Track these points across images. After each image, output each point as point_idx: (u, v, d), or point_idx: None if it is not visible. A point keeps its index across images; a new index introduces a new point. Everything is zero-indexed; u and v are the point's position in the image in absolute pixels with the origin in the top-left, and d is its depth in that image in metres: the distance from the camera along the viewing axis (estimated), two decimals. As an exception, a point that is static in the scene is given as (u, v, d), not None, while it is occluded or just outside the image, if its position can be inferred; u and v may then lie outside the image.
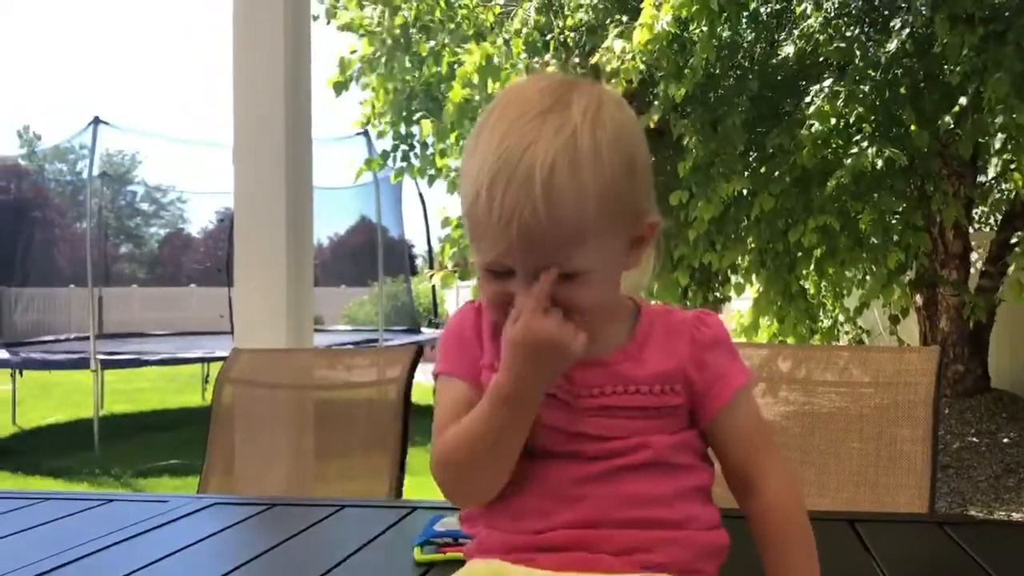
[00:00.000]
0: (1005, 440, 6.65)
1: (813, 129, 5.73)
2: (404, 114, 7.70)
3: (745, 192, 6.10)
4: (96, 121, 9.52)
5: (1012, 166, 6.36)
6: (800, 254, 6.71)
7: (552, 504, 0.92)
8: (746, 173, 6.17)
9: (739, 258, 6.98)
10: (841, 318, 8.08)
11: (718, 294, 7.66)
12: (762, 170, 6.22)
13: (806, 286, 7.31)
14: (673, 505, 0.95)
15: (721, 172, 5.94)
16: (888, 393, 2.56)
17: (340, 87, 7.59)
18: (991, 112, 5.27)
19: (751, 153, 6.47)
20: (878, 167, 5.53)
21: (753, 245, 6.73)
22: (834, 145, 5.99)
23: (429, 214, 13.57)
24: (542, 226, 0.87)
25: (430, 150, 7.56)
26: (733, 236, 6.63)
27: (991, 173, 7.01)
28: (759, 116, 6.36)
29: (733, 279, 7.46)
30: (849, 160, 5.63)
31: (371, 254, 12.18)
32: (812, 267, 6.95)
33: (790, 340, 6.98)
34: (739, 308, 8.45)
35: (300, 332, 3.56)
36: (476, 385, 0.97)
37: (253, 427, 2.64)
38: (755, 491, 1.00)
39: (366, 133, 10.21)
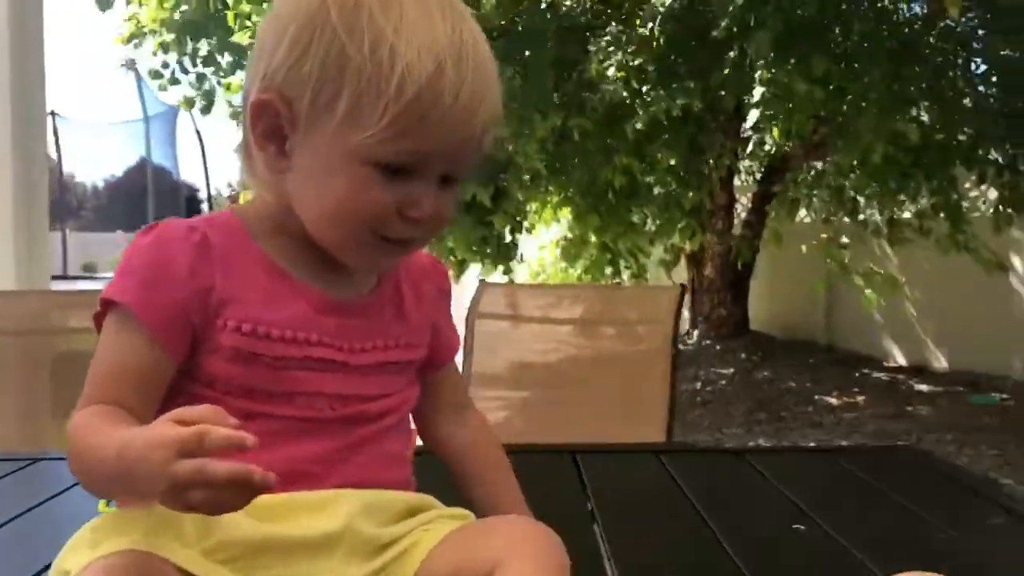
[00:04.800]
0: (759, 378, 7.22)
1: (609, 72, 5.91)
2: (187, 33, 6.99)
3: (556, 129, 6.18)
4: None
5: (773, 122, 6.81)
6: (614, 195, 7.06)
7: (323, 469, 0.81)
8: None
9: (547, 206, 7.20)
10: (622, 264, 8.45)
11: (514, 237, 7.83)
12: (559, 122, 6.29)
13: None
14: (408, 461, 0.91)
15: (536, 107, 5.96)
16: (633, 330, 2.66)
17: (105, 2, 6.86)
18: (752, 68, 5.58)
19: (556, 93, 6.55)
20: (674, 114, 5.79)
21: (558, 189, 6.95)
22: (634, 86, 6.21)
23: (207, 152, 12.88)
24: (494, 118, 0.78)
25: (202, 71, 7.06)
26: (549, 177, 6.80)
27: (752, 126, 7.51)
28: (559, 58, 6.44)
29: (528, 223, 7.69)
30: (647, 108, 5.85)
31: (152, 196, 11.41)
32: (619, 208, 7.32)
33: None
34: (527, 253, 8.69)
35: (33, 280, 3.23)
36: (163, 344, 0.78)
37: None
38: (463, 420, 1.00)
39: (132, 64, 9.48)
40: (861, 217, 7.11)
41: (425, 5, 0.76)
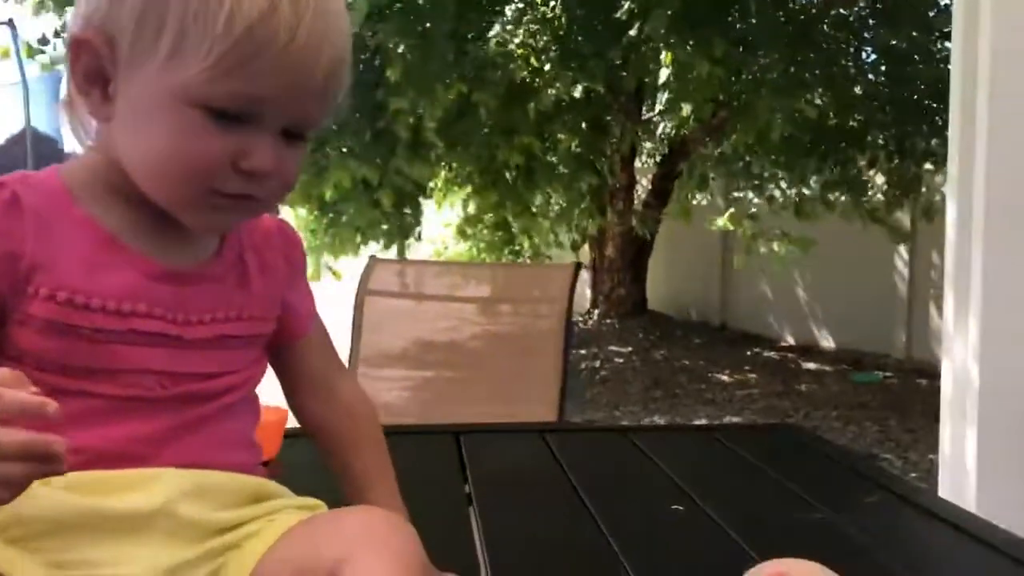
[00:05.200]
0: (656, 356, 7.33)
1: (509, 48, 5.86)
2: None
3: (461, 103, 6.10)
4: None
5: (679, 104, 6.89)
6: (515, 174, 7.02)
7: (151, 450, 0.73)
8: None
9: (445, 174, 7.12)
10: (526, 244, 8.46)
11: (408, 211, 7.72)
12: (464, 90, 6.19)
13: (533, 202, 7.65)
14: (255, 444, 0.84)
15: (435, 78, 5.85)
16: (527, 308, 2.62)
17: None
18: (653, 48, 5.62)
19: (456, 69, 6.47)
20: (576, 95, 5.78)
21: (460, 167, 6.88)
22: (533, 65, 6.16)
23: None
24: (342, 63, 0.72)
25: None
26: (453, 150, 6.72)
27: (657, 108, 7.58)
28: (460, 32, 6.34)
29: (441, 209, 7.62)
30: (547, 88, 5.83)
31: (36, 166, 10.78)
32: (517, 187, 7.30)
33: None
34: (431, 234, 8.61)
35: None
36: None
37: None
38: (332, 396, 0.93)
39: (11, 23, 8.90)
40: (767, 194, 7.29)
41: None
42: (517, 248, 8.14)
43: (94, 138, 0.76)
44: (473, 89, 6.07)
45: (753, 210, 7.05)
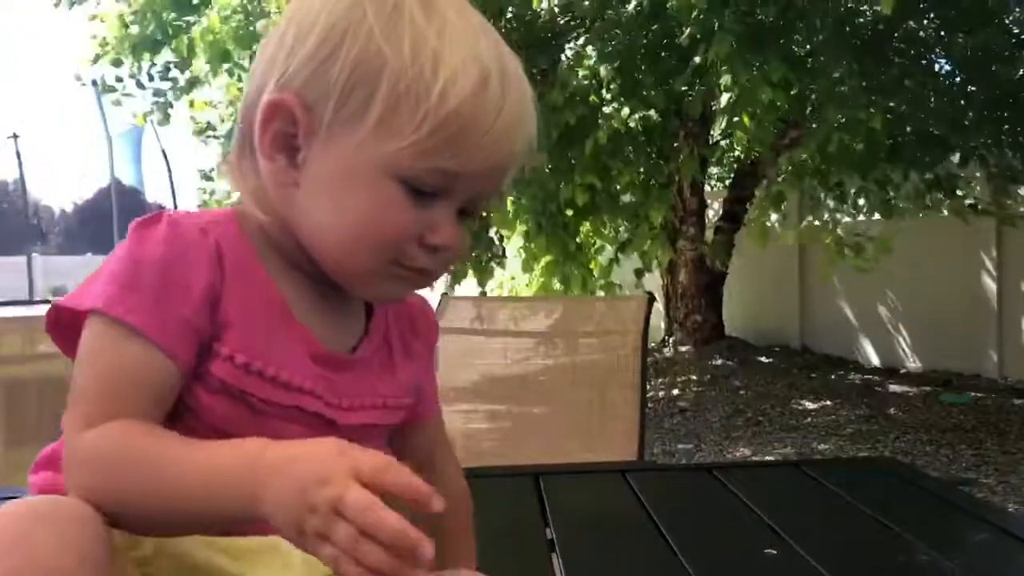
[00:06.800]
0: (736, 383, 7.17)
1: (572, 84, 5.86)
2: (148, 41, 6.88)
3: None
4: None
5: (735, 121, 6.79)
6: (572, 212, 7.00)
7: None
8: None
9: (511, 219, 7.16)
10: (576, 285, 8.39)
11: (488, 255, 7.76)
12: None
13: (579, 241, 7.62)
14: None
15: None
16: (601, 341, 2.59)
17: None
18: (716, 73, 5.55)
19: None
20: (632, 127, 5.75)
21: (524, 204, 6.91)
22: (592, 101, 6.15)
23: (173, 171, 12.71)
24: (532, 142, 0.72)
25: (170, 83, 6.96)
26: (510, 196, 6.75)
27: (718, 132, 7.49)
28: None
29: (507, 241, 7.61)
30: (603, 121, 5.81)
31: (120, 217, 11.28)
32: (569, 226, 7.26)
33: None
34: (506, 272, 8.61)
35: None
36: (178, 362, 0.67)
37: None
38: (434, 479, 0.90)
39: (95, 83, 9.32)
40: (849, 201, 7.12)
41: (465, 15, 0.71)
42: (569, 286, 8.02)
43: (256, 197, 0.74)
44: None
45: (837, 218, 6.85)
